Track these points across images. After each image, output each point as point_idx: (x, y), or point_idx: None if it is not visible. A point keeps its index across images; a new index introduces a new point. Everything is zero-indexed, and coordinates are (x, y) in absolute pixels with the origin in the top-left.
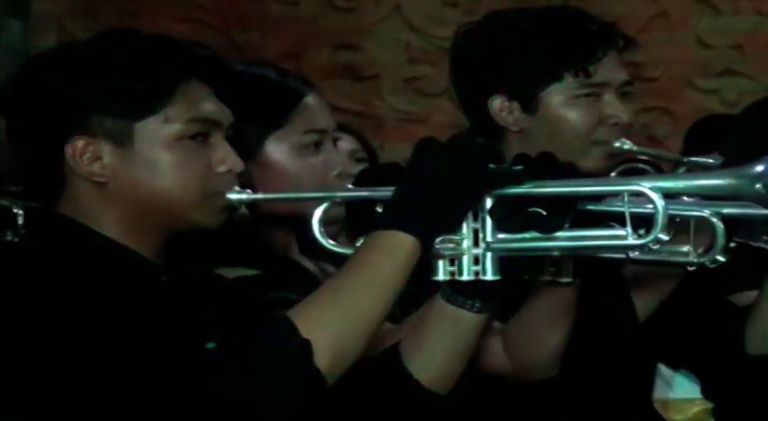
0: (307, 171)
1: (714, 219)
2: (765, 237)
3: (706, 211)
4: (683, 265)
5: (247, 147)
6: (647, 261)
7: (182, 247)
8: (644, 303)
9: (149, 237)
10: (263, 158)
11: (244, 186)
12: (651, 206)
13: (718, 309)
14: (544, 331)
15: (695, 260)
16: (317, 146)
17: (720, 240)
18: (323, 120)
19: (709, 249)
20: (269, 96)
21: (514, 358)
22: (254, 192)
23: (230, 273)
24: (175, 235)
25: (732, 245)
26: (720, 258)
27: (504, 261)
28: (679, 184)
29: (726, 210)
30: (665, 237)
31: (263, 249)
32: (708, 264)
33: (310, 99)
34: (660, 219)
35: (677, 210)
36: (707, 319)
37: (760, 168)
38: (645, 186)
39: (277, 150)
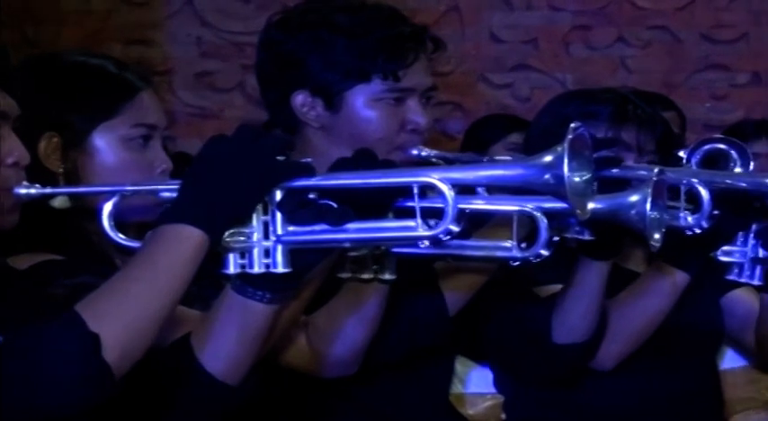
0: (130, 164)
1: (537, 214)
2: (577, 228)
3: (529, 206)
4: (506, 260)
5: (75, 134)
6: (470, 257)
7: None
8: (455, 299)
9: None
10: (89, 148)
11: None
12: (441, 199)
13: (523, 300)
14: (350, 327)
15: (518, 255)
16: (146, 141)
17: (543, 235)
18: (154, 116)
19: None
20: (103, 86)
21: (317, 352)
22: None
23: (34, 258)
24: None
25: (555, 239)
26: (544, 253)
27: (296, 253)
28: (469, 175)
29: (547, 205)
30: (455, 229)
31: (75, 237)
32: (531, 259)
33: (145, 94)
34: (450, 210)
35: (499, 206)
36: (513, 311)
37: (548, 158)
38: (434, 177)
39: (104, 140)
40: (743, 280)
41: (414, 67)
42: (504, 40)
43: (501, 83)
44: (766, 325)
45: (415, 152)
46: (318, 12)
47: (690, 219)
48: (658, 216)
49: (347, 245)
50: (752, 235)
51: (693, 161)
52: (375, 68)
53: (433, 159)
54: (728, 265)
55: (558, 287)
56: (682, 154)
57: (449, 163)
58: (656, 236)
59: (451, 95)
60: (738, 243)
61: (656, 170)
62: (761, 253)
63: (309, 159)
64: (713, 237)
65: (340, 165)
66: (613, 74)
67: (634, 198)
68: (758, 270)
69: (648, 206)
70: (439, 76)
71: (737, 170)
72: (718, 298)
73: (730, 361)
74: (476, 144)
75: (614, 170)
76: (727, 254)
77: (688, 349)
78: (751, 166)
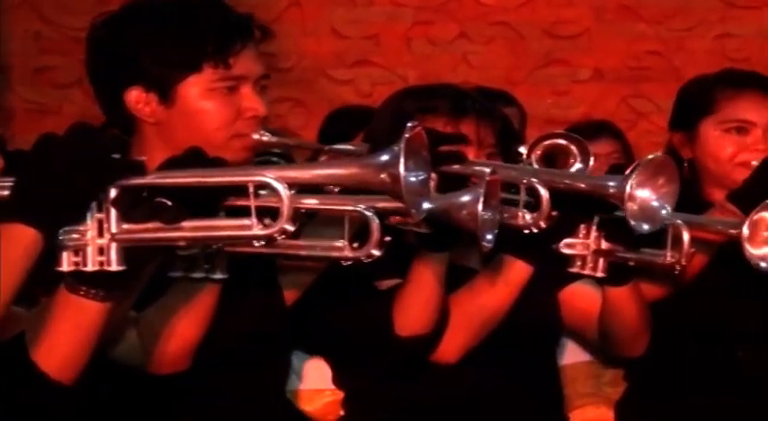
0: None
1: (369, 214)
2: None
3: (361, 206)
4: (339, 260)
5: None
6: (302, 256)
7: None
8: (289, 295)
9: None
10: None
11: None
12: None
13: (363, 293)
14: (183, 324)
15: (350, 255)
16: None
17: (375, 235)
18: None
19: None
20: None
21: (149, 349)
22: None
23: None
24: None
25: (387, 238)
26: (376, 253)
27: (130, 251)
28: (305, 174)
29: (380, 205)
30: (290, 228)
31: None
32: (363, 258)
33: None
34: (285, 210)
35: (333, 205)
36: (354, 304)
37: (385, 158)
38: (270, 177)
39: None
40: (586, 272)
41: (243, 55)
42: (346, 35)
43: (343, 79)
44: (609, 317)
45: (256, 136)
46: (145, 7)
47: (528, 217)
48: (491, 216)
49: (182, 243)
50: (594, 227)
51: (534, 156)
52: (204, 57)
53: (274, 144)
54: (571, 258)
55: (397, 281)
56: (522, 149)
57: (289, 149)
58: (489, 236)
59: (292, 91)
60: (581, 236)
61: (488, 170)
62: (603, 245)
63: (143, 157)
64: (555, 229)
65: (169, 165)
66: (455, 70)
67: (466, 198)
68: (601, 262)
69: (480, 207)
70: (280, 72)
71: (578, 166)
72: (557, 291)
73: (570, 356)
74: (332, 138)
75: (455, 166)
76: (569, 246)
77: (526, 344)
78: (590, 162)
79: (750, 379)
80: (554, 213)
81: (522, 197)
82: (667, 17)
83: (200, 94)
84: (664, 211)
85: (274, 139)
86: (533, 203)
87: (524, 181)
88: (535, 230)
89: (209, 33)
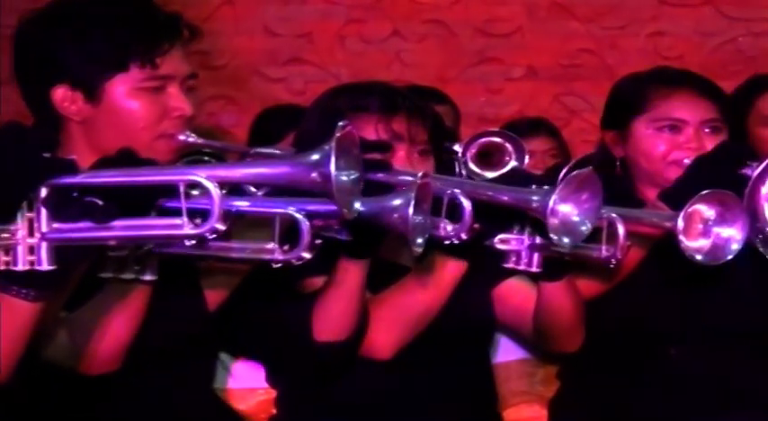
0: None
1: (299, 216)
2: (336, 228)
3: (291, 208)
4: (270, 262)
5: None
6: (233, 258)
7: None
8: (214, 297)
9: None
10: None
11: None
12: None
13: (285, 297)
14: (114, 325)
15: (281, 257)
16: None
17: (306, 237)
18: None
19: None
20: None
21: (80, 349)
22: None
23: None
24: None
25: (318, 241)
26: (306, 255)
27: (61, 250)
28: (236, 173)
29: (311, 207)
30: (221, 227)
31: None
32: (294, 261)
33: None
34: (216, 209)
35: (263, 207)
36: (275, 308)
37: (316, 157)
38: (200, 176)
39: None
40: (521, 268)
41: (171, 54)
42: (279, 33)
43: (275, 77)
44: (544, 313)
45: (182, 137)
46: (73, 4)
47: (450, 228)
48: (422, 221)
49: (112, 242)
50: (528, 222)
51: (469, 154)
52: (131, 57)
53: (200, 145)
54: (505, 253)
55: (322, 280)
56: (457, 147)
57: (216, 151)
58: (419, 240)
59: (225, 89)
60: (515, 231)
61: (420, 174)
62: (538, 240)
63: (74, 156)
64: (489, 225)
65: (102, 165)
66: (389, 68)
67: (397, 201)
68: (536, 257)
69: (411, 210)
70: (212, 70)
71: (513, 163)
72: (491, 288)
73: (504, 354)
74: (263, 137)
75: (381, 175)
76: (503, 242)
77: (460, 342)
78: (526, 160)
79: (682, 377)
80: (476, 226)
81: (444, 208)
82: (600, 15)
83: (126, 94)
84: (584, 228)
85: (200, 141)
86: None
87: (448, 192)
88: (456, 242)
89: (136, 33)
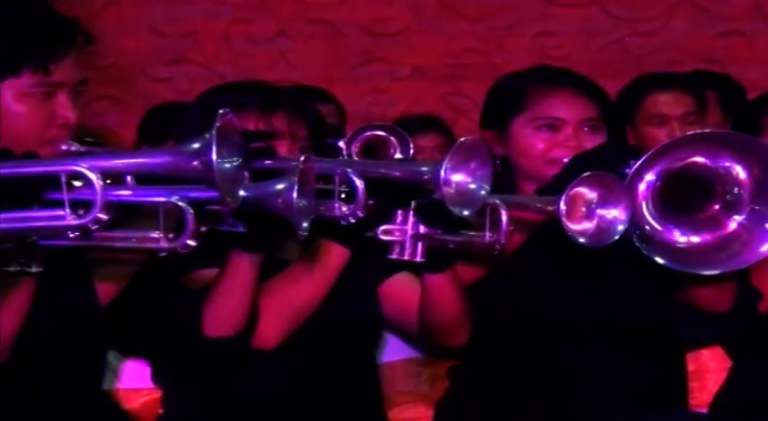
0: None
1: (182, 205)
2: (230, 221)
3: (174, 197)
4: (155, 252)
5: None
6: (118, 248)
7: None
8: (106, 290)
9: None
10: None
11: None
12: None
13: (175, 292)
14: None
15: (166, 246)
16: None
17: (190, 225)
18: None
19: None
20: None
21: None
22: None
23: None
24: None
25: (203, 229)
26: (191, 243)
27: None
28: (118, 163)
29: (193, 195)
30: (104, 217)
31: None
32: (179, 249)
33: None
34: (98, 199)
35: (147, 197)
36: (165, 303)
37: (197, 145)
38: (82, 166)
39: None
40: (405, 258)
41: (65, 62)
42: (165, 33)
43: (161, 77)
44: (429, 307)
45: (64, 147)
46: None
47: (344, 208)
48: (306, 204)
49: None
50: (411, 212)
51: (353, 149)
52: (25, 62)
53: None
54: (389, 244)
55: (213, 272)
56: (341, 144)
57: None
58: (304, 224)
59: (111, 89)
60: (398, 221)
61: (302, 158)
62: (421, 229)
63: None
64: (372, 216)
65: None
66: (275, 67)
67: (280, 186)
68: (420, 246)
69: (295, 194)
70: (98, 70)
71: (398, 157)
72: (376, 286)
73: (390, 353)
74: (150, 136)
75: (267, 162)
76: (387, 233)
77: (345, 341)
78: (411, 153)
79: (569, 377)
80: (371, 202)
81: (338, 188)
82: (487, 15)
83: (13, 98)
84: (482, 192)
85: (83, 149)
86: (349, 194)
87: (338, 171)
88: (353, 221)
89: (31, 39)
